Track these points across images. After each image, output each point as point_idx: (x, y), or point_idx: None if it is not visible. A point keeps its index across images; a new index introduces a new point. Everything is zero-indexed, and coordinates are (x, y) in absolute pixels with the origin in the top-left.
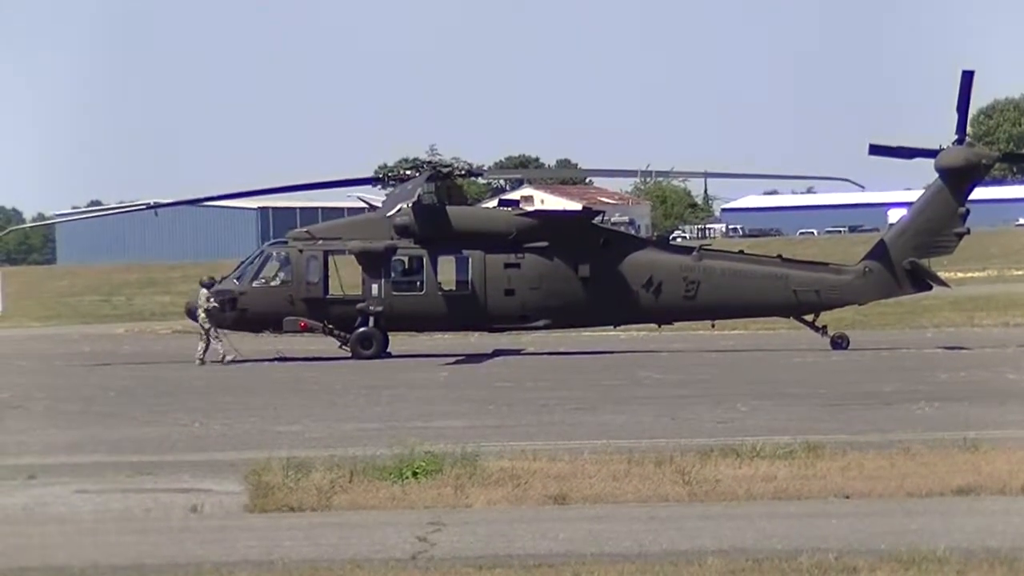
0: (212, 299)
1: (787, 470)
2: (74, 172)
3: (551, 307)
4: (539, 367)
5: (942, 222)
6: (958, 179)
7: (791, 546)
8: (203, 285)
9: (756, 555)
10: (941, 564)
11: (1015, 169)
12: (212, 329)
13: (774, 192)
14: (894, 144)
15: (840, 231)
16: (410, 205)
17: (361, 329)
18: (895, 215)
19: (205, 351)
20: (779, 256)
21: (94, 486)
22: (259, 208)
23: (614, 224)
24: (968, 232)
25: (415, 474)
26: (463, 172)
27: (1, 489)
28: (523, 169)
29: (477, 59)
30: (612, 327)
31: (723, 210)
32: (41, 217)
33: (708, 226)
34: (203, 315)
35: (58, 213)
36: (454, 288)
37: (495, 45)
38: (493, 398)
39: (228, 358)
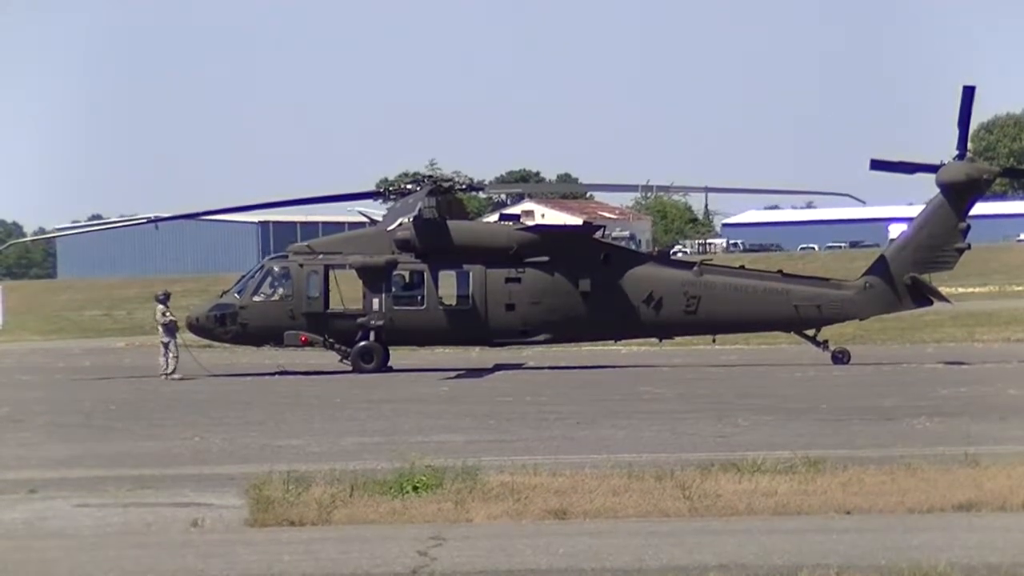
0: (168, 313)
1: (788, 485)
2: (75, 186)
3: (552, 322)
4: (539, 382)
5: (943, 237)
6: (959, 194)
7: (792, 561)
8: (158, 300)
9: (756, 570)
10: None
11: (1016, 184)
12: (172, 343)
13: (775, 207)
14: (895, 159)
15: (841, 246)
16: (411, 219)
17: (362, 343)
18: (896, 230)
19: (170, 364)
20: (780, 271)
21: (94, 500)
22: (259, 222)
23: (615, 239)
24: (969, 247)
25: (416, 488)
26: (464, 186)
27: (1, 503)
28: (524, 184)
29: (478, 73)
30: (613, 342)
31: (724, 225)
32: (42, 231)
33: (709, 241)
34: (161, 329)
35: (59, 227)
36: (455, 303)
37: (496, 59)
38: (494, 412)
39: (168, 374)
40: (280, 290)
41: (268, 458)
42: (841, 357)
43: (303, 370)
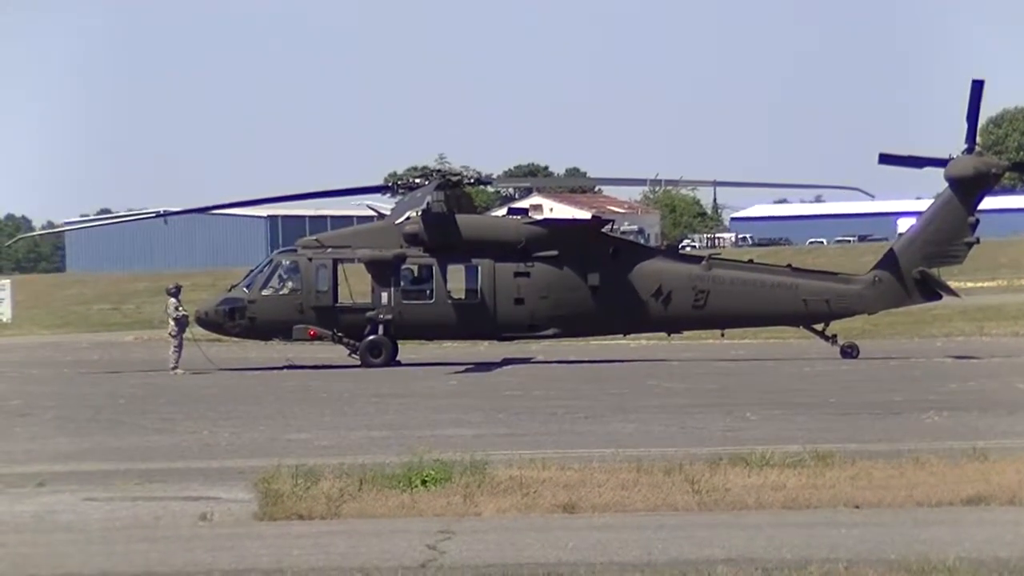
0: (180, 307)
1: (796, 479)
2: (83, 180)
3: (560, 316)
4: (548, 376)
5: (952, 232)
6: (968, 188)
7: (800, 556)
8: (169, 294)
9: (765, 564)
10: (951, 574)
11: None
12: (179, 338)
13: (783, 201)
14: (904, 153)
15: (850, 240)
16: (419, 213)
17: (370, 337)
18: (904, 224)
19: (171, 359)
20: (789, 265)
21: (103, 494)
22: (268, 216)
23: (623, 233)
24: (978, 242)
25: (424, 482)
26: (472, 180)
27: (10, 497)
28: (532, 178)
29: (486, 67)
30: (621, 336)
31: (732, 219)
32: (50, 225)
33: (718, 235)
34: (172, 324)
35: (67, 221)
36: (463, 297)
37: (504, 53)
38: (502, 406)
39: (177, 371)
40: (289, 284)
41: (277, 452)
42: (850, 351)
43: (311, 364)
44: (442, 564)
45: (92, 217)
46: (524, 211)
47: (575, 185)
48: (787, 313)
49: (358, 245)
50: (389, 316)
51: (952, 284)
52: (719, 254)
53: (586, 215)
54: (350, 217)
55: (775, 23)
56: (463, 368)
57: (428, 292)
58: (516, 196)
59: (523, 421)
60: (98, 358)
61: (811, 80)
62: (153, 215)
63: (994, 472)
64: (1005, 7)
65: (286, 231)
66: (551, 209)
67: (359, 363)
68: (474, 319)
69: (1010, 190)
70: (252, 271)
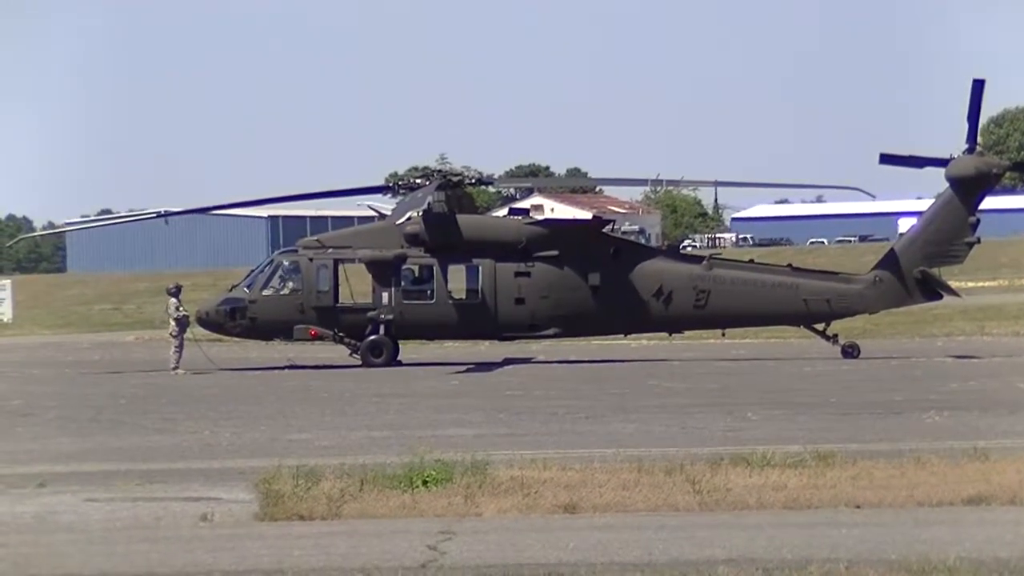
0: (181, 307)
1: (797, 479)
2: (84, 181)
3: (561, 316)
4: (549, 376)
5: (952, 231)
6: (968, 188)
7: (801, 556)
8: (170, 294)
9: (766, 564)
10: (951, 574)
11: None
12: (180, 339)
13: (784, 201)
14: (904, 153)
15: (850, 240)
16: (420, 214)
17: (371, 337)
18: (905, 224)
19: (173, 359)
20: (789, 265)
21: (104, 495)
22: (269, 217)
23: (624, 233)
24: (978, 241)
25: (425, 483)
26: (473, 181)
27: (11, 497)
28: (533, 178)
29: (486, 67)
30: (622, 336)
31: (733, 219)
32: (51, 225)
33: (718, 235)
34: (173, 324)
35: (68, 221)
36: (464, 297)
37: (504, 53)
38: (503, 407)
39: (178, 371)
40: (290, 284)
41: (277, 452)
42: (851, 351)
43: (312, 364)
44: (443, 564)
45: (93, 217)
46: (525, 211)
47: (576, 185)
48: (788, 313)
49: (359, 245)
50: (390, 316)
51: (953, 284)
52: (720, 254)
53: (587, 215)
54: (351, 217)
55: (775, 23)
56: (464, 368)
57: (429, 292)
58: (517, 196)
59: (524, 421)
60: (99, 358)
61: (811, 80)
62: (154, 215)
63: (995, 472)
64: (1005, 7)
65: (287, 231)
66: (552, 209)
67: (360, 363)
68: (475, 319)
69: (1010, 190)
70: (253, 271)
